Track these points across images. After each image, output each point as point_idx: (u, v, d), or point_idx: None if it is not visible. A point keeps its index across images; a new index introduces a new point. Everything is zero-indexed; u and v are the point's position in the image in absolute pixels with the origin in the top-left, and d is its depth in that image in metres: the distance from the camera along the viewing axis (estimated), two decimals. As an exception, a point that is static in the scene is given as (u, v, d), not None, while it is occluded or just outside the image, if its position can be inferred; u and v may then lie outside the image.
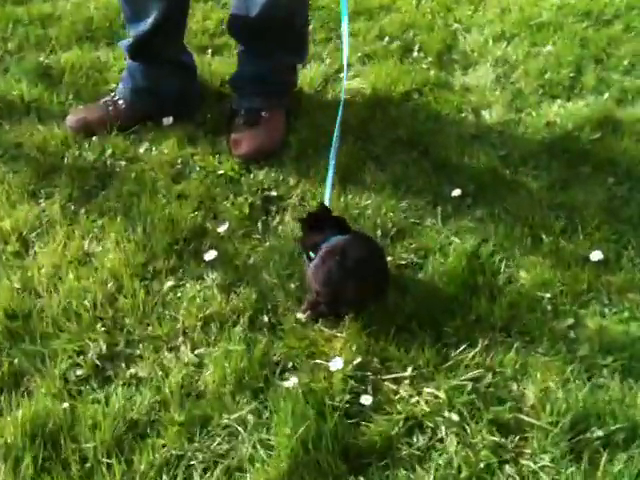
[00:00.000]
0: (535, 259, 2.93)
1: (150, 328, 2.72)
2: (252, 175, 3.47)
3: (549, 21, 4.37)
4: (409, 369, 2.52)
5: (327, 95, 3.96)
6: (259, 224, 3.21)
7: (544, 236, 3.03)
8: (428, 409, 2.38)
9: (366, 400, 2.42)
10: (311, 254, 2.63)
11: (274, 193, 3.38)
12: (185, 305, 2.84)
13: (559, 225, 3.07)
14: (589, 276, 2.82)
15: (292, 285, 2.88)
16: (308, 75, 4.00)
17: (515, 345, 2.59)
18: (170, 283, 2.95)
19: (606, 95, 3.80)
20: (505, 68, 4.07)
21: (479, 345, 2.58)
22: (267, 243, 3.11)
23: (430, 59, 4.17)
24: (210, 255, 3.04)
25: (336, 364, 2.52)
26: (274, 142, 3.57)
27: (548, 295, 2.77)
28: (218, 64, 4.25)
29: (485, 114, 3.77)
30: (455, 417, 2.35)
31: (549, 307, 2.74)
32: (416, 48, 4.30)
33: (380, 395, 2.47)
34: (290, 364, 2.59)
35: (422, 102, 3.87)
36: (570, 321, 2.68)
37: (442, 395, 2.41)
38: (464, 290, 2.80)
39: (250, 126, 3.59)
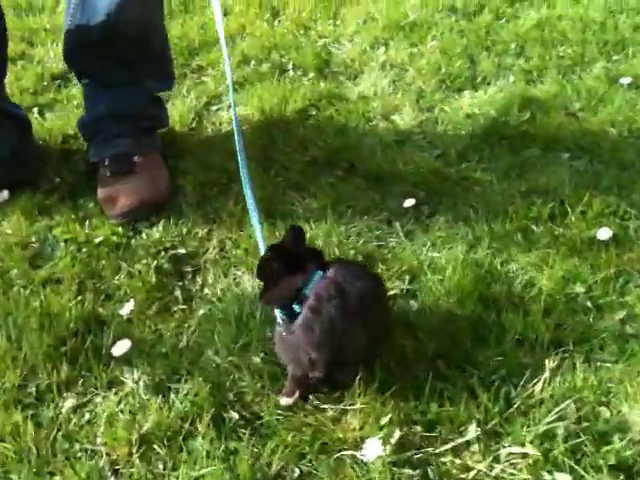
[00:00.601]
0: (539, 253, 2.34)
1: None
2: (144, 235, 2.57)
3: (419, 21, 4.00)
4: (470, 429, 1.75)
5: (206, 130, 3.19)
6: (177, 292, 2.32)
7: (534, 227, 2.47)
8: (524, 477, 1.62)
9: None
10: (295, 307, 1.80)
11: (182, 250, 2.50)
12: (103, 430, 1.86)
13: (544, 211, 2.51)
14: (609, 257, 2.27)
15: (254, 359, 2.03)
16: (176, 113, 3.20)
17: (578, 359, 1.94)
18: (69, 403, 1.96)
19: (512, 78, 3.45)
20: (396, 71, 3.60)
21: (540, 371, 1.89)
22: (198, 313, 2.21)
23: (311, 74, 3.60)
24: (120, 348, 2.09)
25: (372, 450, 1.69)
26: (160, 190, 2.72)
27: (581, 290, 2.17)
28: (53, 120, 3.31)
29: (396, 118, 3.23)
30: (566, 477, 1.61)
31: (589, 304, 2.15)
32: (290, 66, 3.72)
33: (446, 477, 1.67)
34: (297, 471, 1.71)
35: (323, 117, 3.25)
36: (621, 314, 2.10)
37: (533, 451, 1.67)
38: (482, 306, 2.13)
39: (122, 177, 2.70)
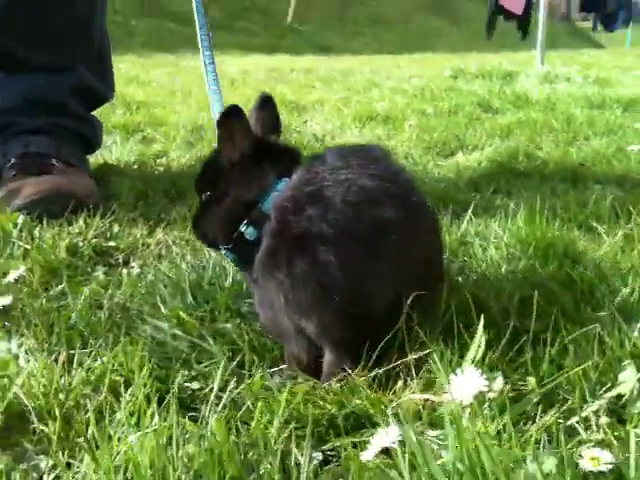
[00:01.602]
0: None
1: None
2: (58, 229, 1.77)
3: (392, 115, 3.69)
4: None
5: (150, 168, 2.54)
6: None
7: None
8: None
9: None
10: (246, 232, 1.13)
11: (112, 243, 1.72)
12: None
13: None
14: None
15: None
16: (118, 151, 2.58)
17: None
18: None
19: (505, 144, 3.02)
20: (374, 141, 3.13)
21: None
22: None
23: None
24: None
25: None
26: (79, 186, 2.05)
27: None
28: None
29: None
30: None
31: None
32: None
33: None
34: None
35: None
36: None
37: None
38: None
39: (32, 176, 2.00)
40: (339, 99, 4.44)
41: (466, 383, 0.94)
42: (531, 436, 0.91)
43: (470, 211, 1.83)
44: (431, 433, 0.94)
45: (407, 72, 6.77)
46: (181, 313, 1.26)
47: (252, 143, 1.18)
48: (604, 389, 1.06)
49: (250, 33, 12.55)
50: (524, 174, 2.61)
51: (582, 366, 1.07)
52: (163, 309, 1.31)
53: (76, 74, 2.25)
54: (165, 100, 4.35)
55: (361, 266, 1.05)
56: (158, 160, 2.69)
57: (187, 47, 9.52)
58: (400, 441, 0.87)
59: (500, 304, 1.27)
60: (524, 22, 7.12)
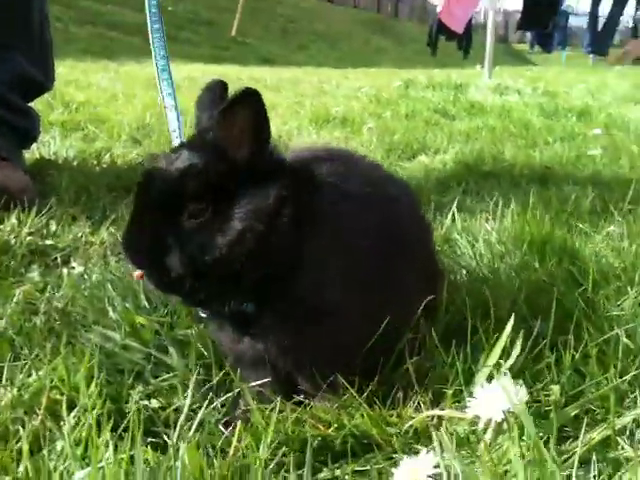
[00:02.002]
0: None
1: None
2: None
3: (349, 117, 3.55)
4: None
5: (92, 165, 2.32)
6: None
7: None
8: None
9: None
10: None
11: (48, 242, 1.50)
12: None
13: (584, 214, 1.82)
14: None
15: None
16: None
17: None
18: None
19: (468, 147, 2.93)
20: (334, 143, 2.99)
21: None
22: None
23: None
24: None
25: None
26: (10, 178, 1.79)
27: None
28: None
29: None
30: None
31: None
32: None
33: None
34: None
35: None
36: None
37: None
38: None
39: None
40: (292, 103, 4.29)
41: (490, 398, 0.77)
42: (573, 454, 0.75)
43: (454, 207, 1.69)
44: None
45: (356, 83, 6.67)
46: (135, 318, 1.06)
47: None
48: (633, 396, 0.92)
49: (194, 44, 12.30)
50: (492, 175, 2.51)
51: (608, 374, 0.92)
52: (112, 314, 1.11)
53: (14, 62, 2.01)
54: (107, 102, 4.09)
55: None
56: (101, 157, 2.46)
57: (129, 55, 9.24)
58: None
59: (505, 305, 1.12)
60: (466, 42, 7.19)
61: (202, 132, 0.93)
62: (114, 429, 0.79)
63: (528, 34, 26.96)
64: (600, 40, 11.44)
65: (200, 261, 0.82)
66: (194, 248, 0.83)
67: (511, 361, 0.87)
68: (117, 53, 9.26)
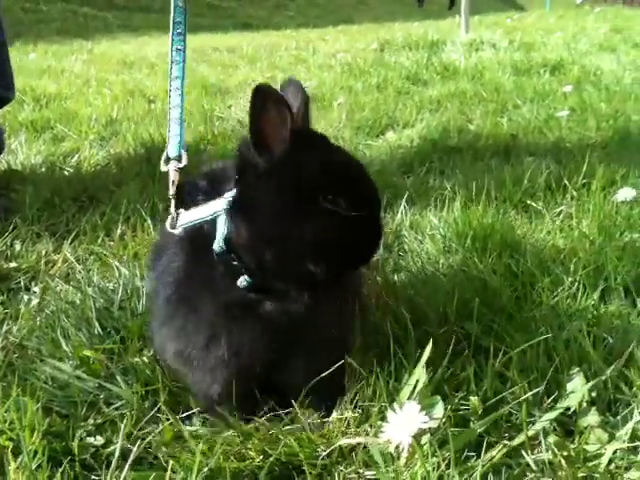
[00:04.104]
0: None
1: None
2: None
3: (320, 92, 3.55)
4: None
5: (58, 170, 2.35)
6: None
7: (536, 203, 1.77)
8: None
9: None
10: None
11: (12, 264, 1.54)
12: None
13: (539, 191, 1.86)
14: None
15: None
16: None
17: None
18: None
19: (435, 119, 2.94)
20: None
21: None
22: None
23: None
24: None
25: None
26: None
27: None
28: None
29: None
30: None
31: None
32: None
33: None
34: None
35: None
36: None
37: None
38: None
39: None
40: (264, 79, 4.26)
41: (404, 419, 0.83)
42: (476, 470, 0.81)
43: (404, 200, 1.73)
44: (367, 474, 0.84)
45: (333, 46, 6.61)
46: (85, 351, 1.11)
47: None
48: (552, 398, 0.98)
49: (167, 12, 12.08)
50: (456, 150, 2.54)
51: (527, 380, 0.98)
52: (65, 345, 1.16)
53: None
54: (79, 90, 4.08)
55: None
56: (68, 160, 2.48)
57: (103, 32, 9.11)
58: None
59: (438, 309, 1.17)
60: None
61: None
62: (57, 468, 0.85)
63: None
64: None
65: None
66: None
67: (417, 386, 0.93)
68: (91, 30, 9.14)
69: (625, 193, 1.78)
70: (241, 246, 0.89)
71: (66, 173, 2.31)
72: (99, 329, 1.21)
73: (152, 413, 1.01)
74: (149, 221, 1.69)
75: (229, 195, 0.92)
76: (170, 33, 1.28)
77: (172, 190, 1.05)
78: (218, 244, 0.91)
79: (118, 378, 1.08)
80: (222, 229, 0.91)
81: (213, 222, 0.93)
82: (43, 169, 2.36)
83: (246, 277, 0.90)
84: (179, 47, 1.28)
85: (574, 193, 1.89)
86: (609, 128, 2.69)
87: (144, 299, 1.28)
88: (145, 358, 1.13)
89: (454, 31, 6.86)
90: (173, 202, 1.02)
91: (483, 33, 6.52)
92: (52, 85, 4.23)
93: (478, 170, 2.23)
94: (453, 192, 1.90)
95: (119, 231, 1.70)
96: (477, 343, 1.06)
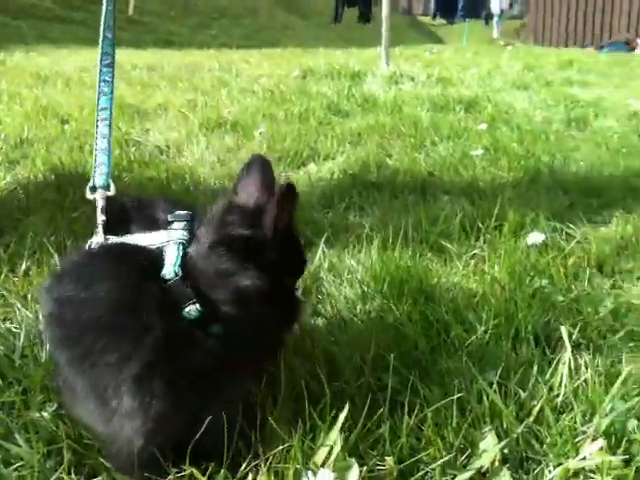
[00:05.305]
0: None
1: None
2: None
3: (239, 121, 3.54)
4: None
5: None
6: None
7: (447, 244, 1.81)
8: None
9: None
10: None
11: None
12: None
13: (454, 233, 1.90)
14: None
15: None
16: None
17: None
18: None
19: (357, 154, 2.98)
20: (221, 152, 2.98)
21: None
22: None
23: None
24: None
25: None
26: None
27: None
28: None
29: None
30: None
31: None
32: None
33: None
34: None
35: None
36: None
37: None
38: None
39: None
40: (185, 102, 4.21)
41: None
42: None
43: (322, 241, 1.72)
44: None
45: (256, 70, 6.61)
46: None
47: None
48: (466, 455, 0.99)
49: (88, 25, 11.77)
50: (376, 185, 2.57)
51: (442, 437, 0.99)
52: (-41, 398, 1.08)
53: None
54: (-12, 106, 3.89)
55: None
56: (-28, 184, 2.35)
57: (17, 43, 8.75)
58: None
59: (354, 360, 1.17)
60: (363, 5, 7.19)
61: None
62: None
63: (432, 3, 27.34)
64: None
65: None
66: None
67: (331, 453, 0.92)
68: (5, 40, 8.76)
69: (534, 237, 1.86)
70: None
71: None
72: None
73: (55, 475, 0.95)
74: (56, 257, 1.61)
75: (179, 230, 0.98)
76: (98, 63, 1.25)
77: (100, 218, 1.06)
78: (172, 269, 0.92)
79: (17, 436, 1.01)
80: (173, 258, 0.94)
81: (150, 251, 0.95)
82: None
83: (197, 306, 0.90)
84: (107, 78, 1.28)
85: (487, 236, 1.95)
86: (520, 168, 2.80)
87: (47, 346, 1.21)
88: (47, 413, 1.07)
89: (375, 62, 7.02)
90: (101, 229, 1.03)
91: (403, 66, 6.71)
92: (-42, 98, 4.03)
93: (396, 208, 2.27)
94: (371, 231, 1.92)
95: (24, 266, 1.61)
96: (392, 397, 1.06)
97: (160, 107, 4.09)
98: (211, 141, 3.22)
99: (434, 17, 25.78)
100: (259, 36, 14.76)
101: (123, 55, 7.96)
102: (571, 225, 2.10)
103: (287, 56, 9.11)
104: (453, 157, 3.02)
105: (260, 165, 1.07)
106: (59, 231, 1.78)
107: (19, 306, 1.37)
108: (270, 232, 0.97)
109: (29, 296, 1.48)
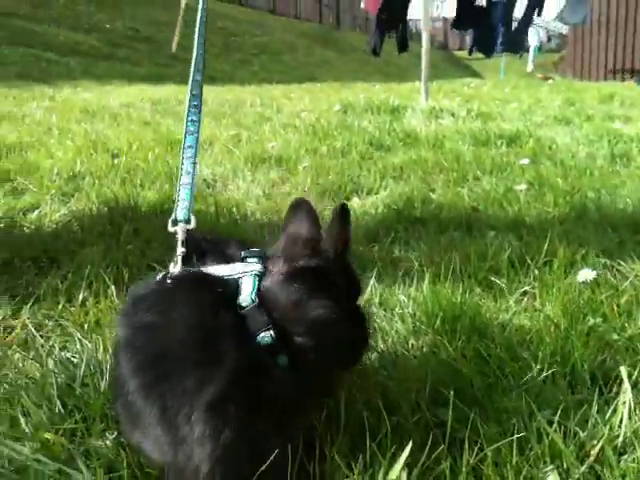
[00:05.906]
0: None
1: None
2: None
3: (284, 155, 3.60)
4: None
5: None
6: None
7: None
8: None
9: None
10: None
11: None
12: None
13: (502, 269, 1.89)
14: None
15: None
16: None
17: None
18: None
19: (400, 189, 3.00)
20: (267, 186, 3.03)
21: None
22: None
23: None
24: None
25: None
26: None
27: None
28: None
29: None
30: None
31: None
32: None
33: None
34: None
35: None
36: None
37: None
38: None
39: None
40: (229, 137, 4.30)
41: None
42: None
43: (373, 276, 1.73)
44: None
45: (298, 105, 6.73)
46: (43, 433, 1.06)
47: None
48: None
49: (134, 62, 12.16)
50: (420, 220, 2.58)
51: (502, 476, 0.98)
52: (24, 425, 1.11)
53: None
54: (40, 139, 4.03)
55: None
56: (28, 215, 2.43)
57: (65, 79, 9.08)
58: None
59: (410, 395, 1.17)
60: (400, 33, 7.23)
61: None
62: None
63: (468, 38, 27.60)
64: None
65: None
66: None
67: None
68: (54, 76, 9.10)
69: (585, 274, 1.83)
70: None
71: (26, 230, 2.26)
72: (60, 407, 1.16)
73: (115, 503, 0.97)
74: (112, 288, 1.65)
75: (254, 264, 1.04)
76: (187, 104, 1.38)
77: (180, 250, 1.11)
78: (249, 297, 0.97)
79: (79, 462, 1.03)
80: (250, 287, 0.99)
81: (227, 281, 1.00)
82: (2, 224, 2.30)
83: (272, 332, 0.94)
84: (194, 118, 1.38)
85: (536, 272, 1.93)
86: (566, 204, 2.78)
87: (107, 375, 1.24)
88: (108, 441, 1.09)
89: (414, 96, 7.08)
90: (180, 260, 1.08)
91: (442, 101, 6.75)
92: (12, 133, 4.18)
93: (442, 243, 2.27)
94: (420, 266, 1.93)
95: (81, 297, 1.66)
96: (451, 434, 1.06)
97: (206, 142, 4.18)
98: (256, 175, 3.28)
99: (470, 52, 25.94)
100: (298, 71, 15.04)
101: (169, 90, 8.20)
102: (621, 262, 2.07)
103: (326, 90, 9.25)
104: (497, 192, 3.01)
105: (305, 205, 1.13)
106: (115, 263, 1.83)
107: (79, 336, 1.41)
108: (335, 250, 1.04)
109: (86, 326, 1.52)
